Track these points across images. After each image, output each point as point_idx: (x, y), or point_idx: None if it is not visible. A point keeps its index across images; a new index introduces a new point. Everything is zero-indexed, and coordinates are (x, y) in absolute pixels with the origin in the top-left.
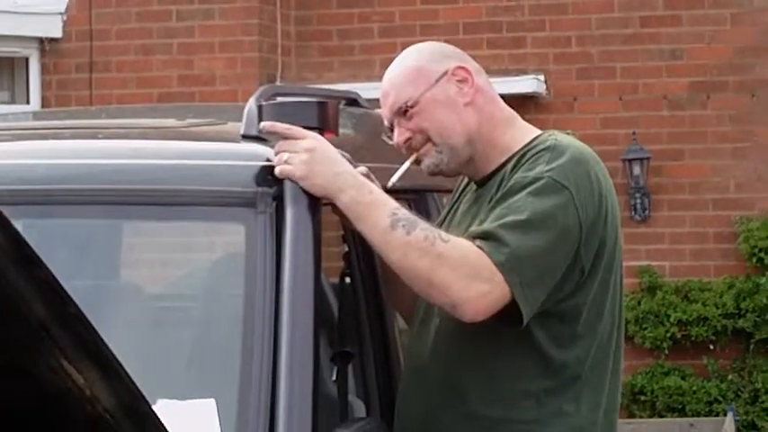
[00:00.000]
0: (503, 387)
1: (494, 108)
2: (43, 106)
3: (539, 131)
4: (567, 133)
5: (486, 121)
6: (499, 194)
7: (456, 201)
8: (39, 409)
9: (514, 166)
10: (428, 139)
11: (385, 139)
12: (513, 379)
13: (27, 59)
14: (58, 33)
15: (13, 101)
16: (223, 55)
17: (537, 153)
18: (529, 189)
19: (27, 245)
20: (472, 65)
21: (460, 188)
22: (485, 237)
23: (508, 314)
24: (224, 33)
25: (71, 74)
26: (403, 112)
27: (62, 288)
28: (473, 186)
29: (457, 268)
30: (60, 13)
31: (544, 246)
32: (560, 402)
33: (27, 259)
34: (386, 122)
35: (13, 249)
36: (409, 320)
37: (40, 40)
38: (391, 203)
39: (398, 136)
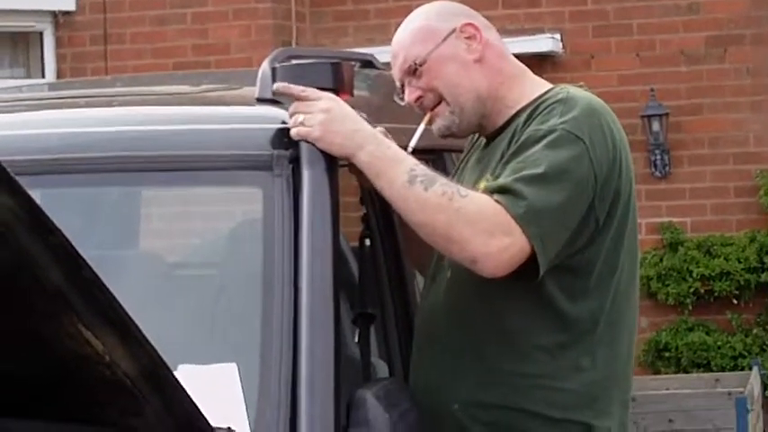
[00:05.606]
0: (515, 341)
1: (503, 63)
2: (59, 79)
3: (550, 85)
4: (579, 86)
5: (495, 76)
6: (512, 149)
7: (466, 156)
8: (58, 374)
9: (526, 120)
10: (440, 98)
11: (396, 99)
12: (526, 333)
13: (41, 33)
14: (71, 6)
15: (28, 75)
16: (237, 23)
17: (549, 106)
18: (544, 142)
19: (41, 211)
20: (480, 21)
21: (471, 142)
22: (502, 191)
23: (523, 267)
24: (238, 1)
25: (86, 46)
26: (412, 71)
27: (77, 253)
28: (482, 141)
29: (475, 223)
30: None
31: (561, 198)
32: (575, 356)
33: (41, 225)
34: (397, 83)
35: (26, 216)
36: None
37: (54, 14)
38: (410, 159)
39: (409, 95)
